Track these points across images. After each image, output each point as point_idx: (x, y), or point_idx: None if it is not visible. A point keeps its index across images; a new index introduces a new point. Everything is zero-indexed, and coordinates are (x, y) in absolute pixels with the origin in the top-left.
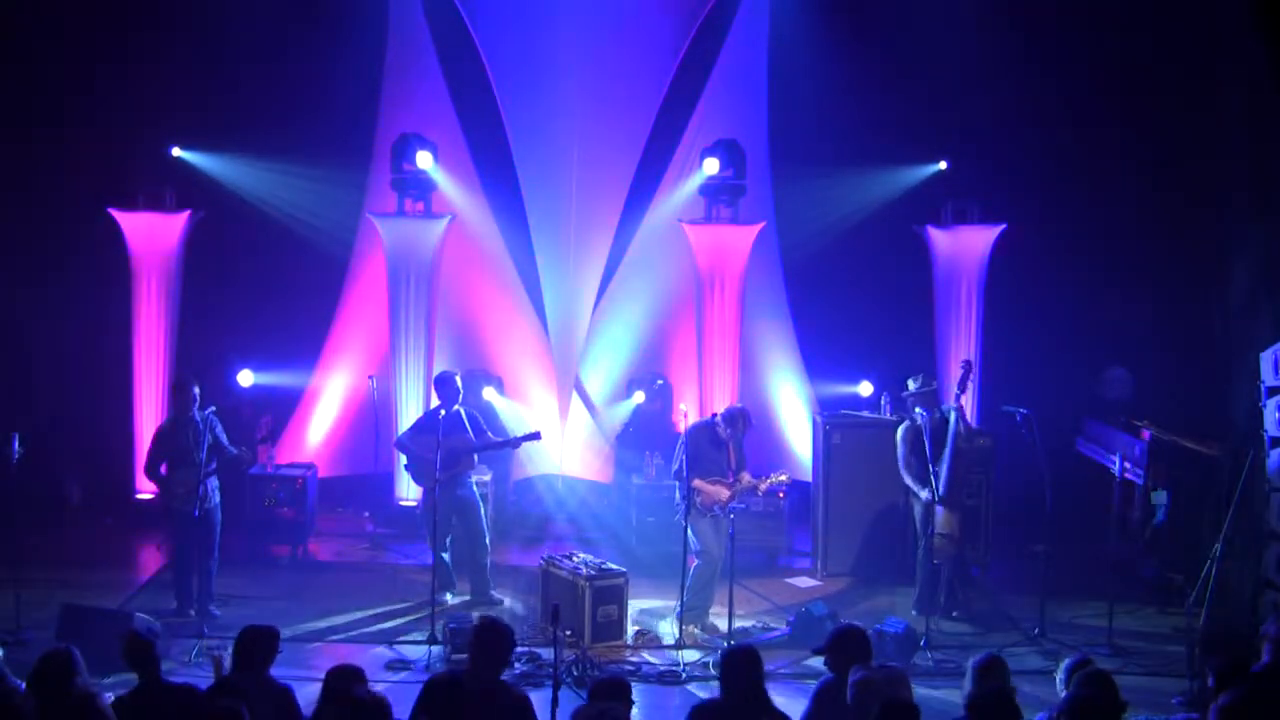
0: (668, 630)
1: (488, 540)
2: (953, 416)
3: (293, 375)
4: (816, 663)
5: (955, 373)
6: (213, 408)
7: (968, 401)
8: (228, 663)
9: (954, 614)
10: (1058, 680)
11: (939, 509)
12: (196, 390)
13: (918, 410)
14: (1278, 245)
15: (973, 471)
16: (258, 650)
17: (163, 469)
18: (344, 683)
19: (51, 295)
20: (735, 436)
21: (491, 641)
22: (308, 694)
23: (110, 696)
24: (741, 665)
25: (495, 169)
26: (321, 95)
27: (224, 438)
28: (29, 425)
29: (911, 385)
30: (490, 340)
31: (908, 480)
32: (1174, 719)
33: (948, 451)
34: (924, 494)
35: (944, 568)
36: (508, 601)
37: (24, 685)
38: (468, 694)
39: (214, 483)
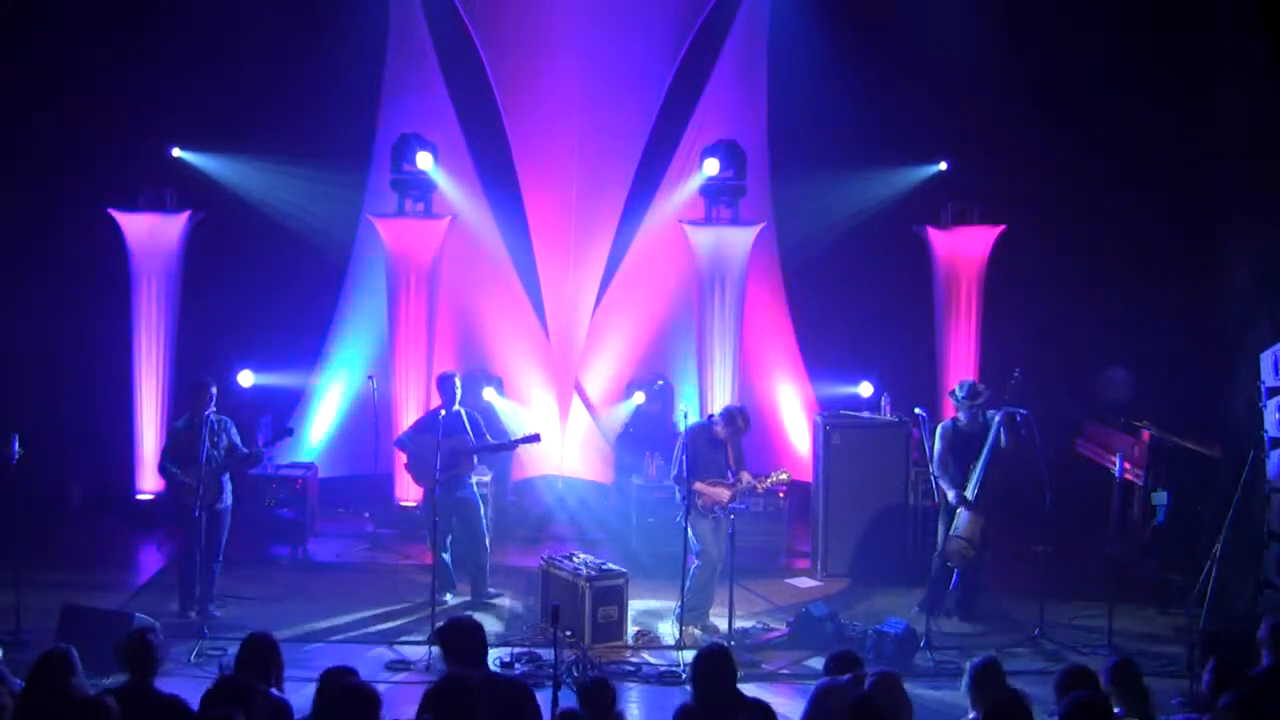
0: (668, 631)
1: (488, 541)
2: (995, 423)
3: (293, 375)
4: (816, 663)
5: (952, 375)
6: (213, 408)
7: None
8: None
9: (954, 618)
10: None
11: (964, 512)
12: (214, 390)
13: (975, 406)
14: (1277, 245)
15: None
16: (266, 662)
17: (174, 467)
18: (337, 678)
19: (51, 295)
20: (734, 436)
21: (460, 640)
22: (307, 694)
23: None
24: (717, 666)
25: (495, 169)
26: (321, 95)
27: (238, 439)
28: (29, 425)
29: (961, 388)
30: (490, 340)
31: (938, 478)
32: (1174, 719)
33: (984, 456)
34: (951, 495)
35: (959, 572)
36: (508, 601)
37: (22, 685)
38: (469, 692)
39: (228, 484)
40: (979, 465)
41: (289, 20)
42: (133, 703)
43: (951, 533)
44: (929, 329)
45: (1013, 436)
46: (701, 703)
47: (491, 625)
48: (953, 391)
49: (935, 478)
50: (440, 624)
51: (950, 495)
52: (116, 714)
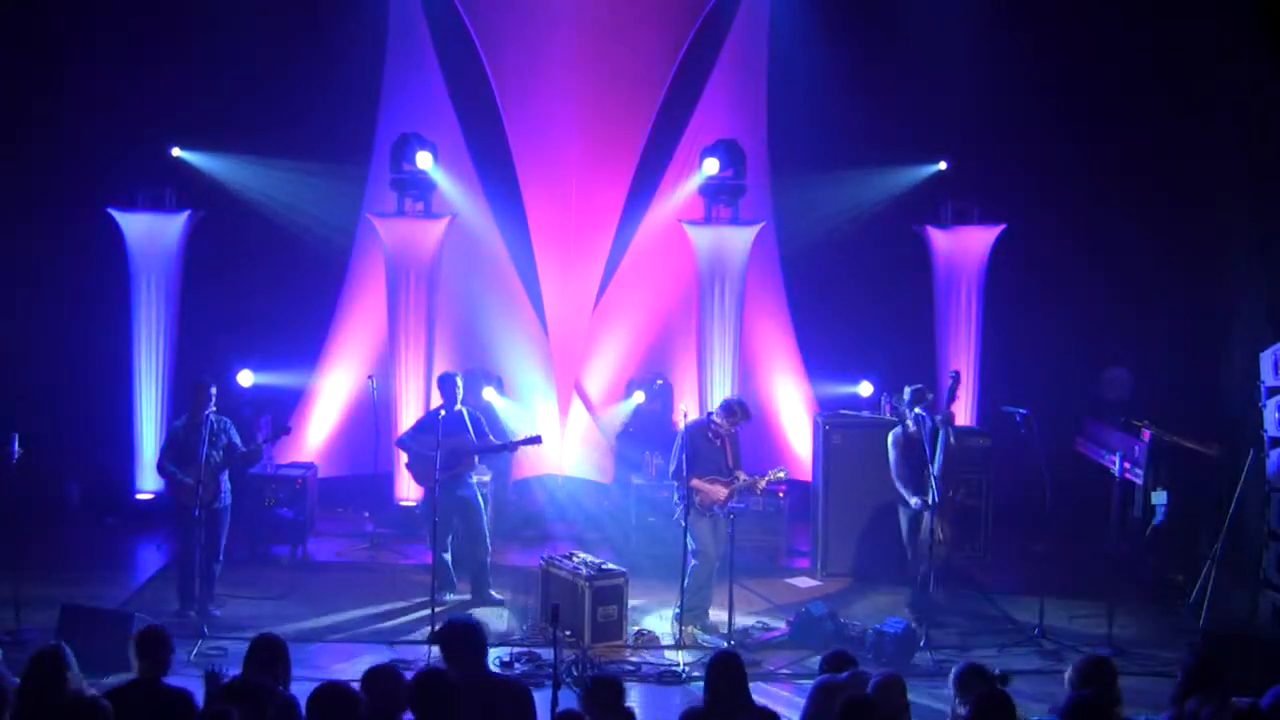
0: (667, 630)
1: (488, 540)
2: (941, 426)
3: (293, 375)
4: (816, 662)
5: (946, 381)
6: (213, 408)
7: (962, 408)
8: (225, 676)
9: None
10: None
11: (931, 515)
12: (214, 390)
13: (917, 410)
14: (1276, 245)
15: (965, 472)
16: (274, 661)
17: (173, 467)
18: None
19: (51, 295)
20: (733, 430)
21: (458, 641)
22: (308, 693)
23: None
24: (727, 669)
25: (495, 169)
26: (321, 95)
27: (237, 439)
28: (29, 425)
29: (907, 392)
30: (490, 340)
31: (898, 486)
32: (1157, 718)
33: (939, 458)
34: (914, 501)
35: (929, 569)
36: (508, 600)
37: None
38: (459, 689)
39: (226, 483)
40: (935, 467)
41: (289, 20)
42: (140, 697)
43: (921, 536)
44: (929, 329)
45: (957, 432)
46: (712, 705)
47: (492, 625)
48: (896, 401)
49: (898, 487)
50: (440, 625)
51: (914, 502)
52: (109, 712)
